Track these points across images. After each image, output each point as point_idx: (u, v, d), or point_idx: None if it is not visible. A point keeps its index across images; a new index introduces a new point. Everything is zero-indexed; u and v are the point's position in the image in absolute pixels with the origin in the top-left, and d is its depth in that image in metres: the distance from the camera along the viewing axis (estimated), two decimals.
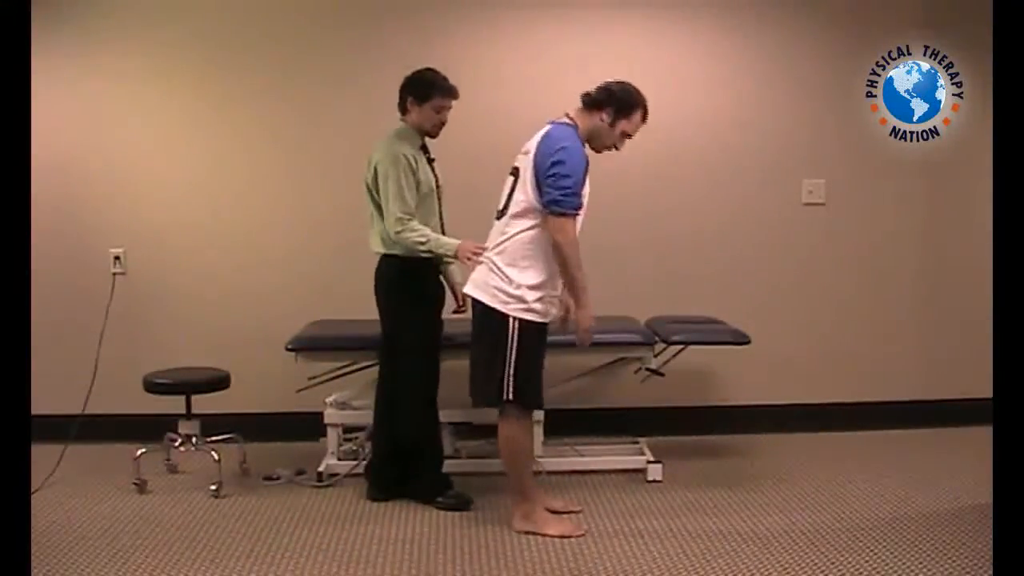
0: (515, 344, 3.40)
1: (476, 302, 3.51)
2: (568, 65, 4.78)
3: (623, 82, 3.56)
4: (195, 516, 3.71)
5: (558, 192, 3.33)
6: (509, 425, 3.49)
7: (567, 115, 3.53)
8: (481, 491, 3.90)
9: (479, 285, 3.51)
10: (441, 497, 3.80)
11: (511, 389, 3.42)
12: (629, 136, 3.57)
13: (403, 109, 3.85)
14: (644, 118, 3.58)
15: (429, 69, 3.84)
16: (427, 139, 3.90)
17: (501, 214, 3.53)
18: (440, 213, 3.91)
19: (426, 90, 3.78)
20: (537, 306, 3.43)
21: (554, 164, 3.35)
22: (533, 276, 3.42)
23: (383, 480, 3.90)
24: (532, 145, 3.47)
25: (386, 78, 4.72)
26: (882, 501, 3.83)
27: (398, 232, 3.68)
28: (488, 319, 3.45)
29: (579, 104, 3.54)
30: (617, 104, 3.50)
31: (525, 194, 3.42)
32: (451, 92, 3.80)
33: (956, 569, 3.12)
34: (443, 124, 3.85)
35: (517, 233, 3.43)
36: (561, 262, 3.40)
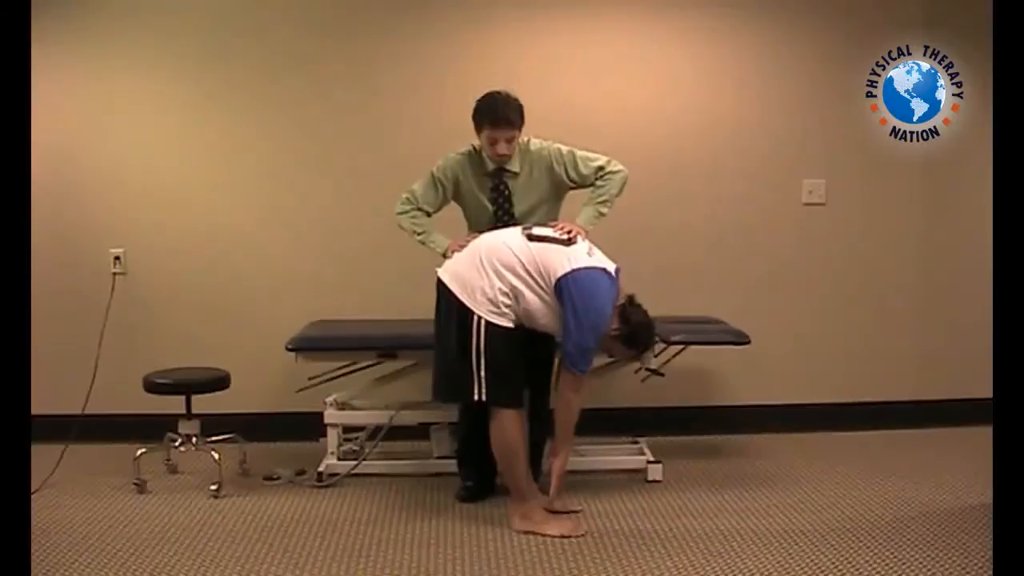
0: (482, 345, 3.40)
1: (447, 290, 3.49)
2: (571, 66, 4.80)
3: (650, 324, 3.59)
4: (195, 516, 3.71)
5: (582, 357, 3.42)
6: (496, 426, 3.49)
7: (619, 275, 3.56)
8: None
9: (455, 275, 3.50)
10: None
11: (483, 390, 3.42)
12: (610, 355, 3.71)
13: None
14: (634, 358, 3.80)
15: (489, 94, 3.72)
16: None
17: (530, 236, 3.51)
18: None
19: (477, 119, 3.72)
20: (506, 310, 3.43)
21: (588, 325, 3.39)
22: (509, 289, 3.42)
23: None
24: (592, 263, 3.46)
25: (385, 81, 4.76)
26: (882, 501, 3.83)
27: (398, 212, 3.87)
28: (457, 313, 3.44)
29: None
30: (630, 338, 3.53)
31: (552, 271, 3.40)
32: (498, 121, 3.64)
33: (956, 569, 3.12)
34: (502, 156, 3.68)
35: (520, 272, 3.42)
36: (567, 416, 3.52)
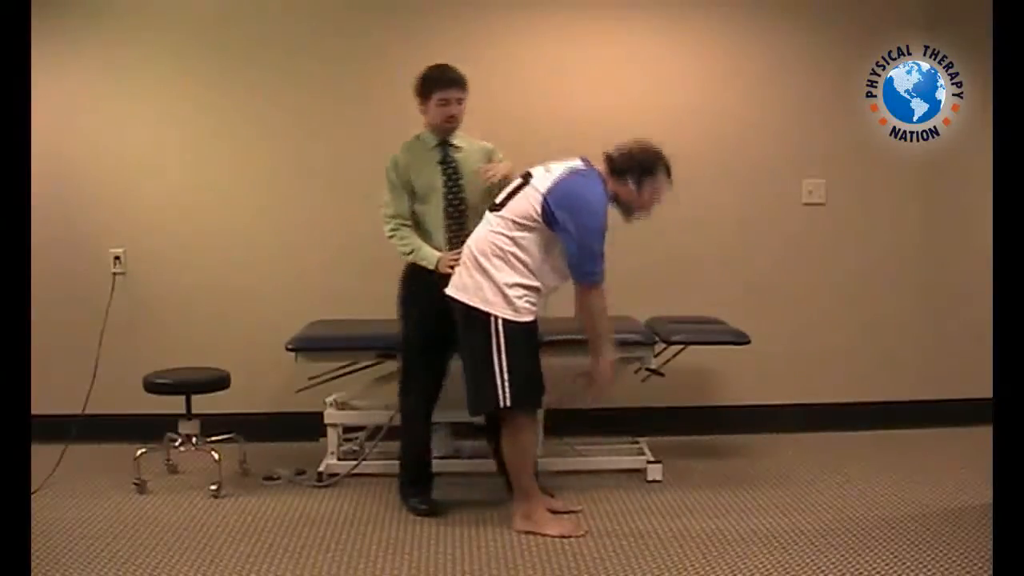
0: (503, 346, 3.37)
1: (457, 303, 3.47)
2: (571, 65, 4.80)
3: (642, 144, 3.48)
4: (195, 516, 3.71)
5: (590, 263, 3.34)
6: (514, 430, 3.47)
7: (590, 163, 3.49)
8: (481, 491, 3.90)
9: (460, 286, 3.48)
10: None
11: (507, 395, 3.38)
12: (658, 200, 3.52)
13: (421, 111, 3.80)
14: (668, 175, 3.51)
15: (435, 65, 3.76)
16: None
17: (495, 208, 3.50)
18: (455, 212, 3.76)
19: (427, 87, 3.74)
20: (521, 304, 3.40)
21: (584, 229, 3.32)
22: (516, 275, 3.40)
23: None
24: (558, 175, 3.41)
25: (384, 81, 4.76)
26: (882, 501, 3.83)
27: (388, 236, 3.81)
28: (471, 320, 3.42)
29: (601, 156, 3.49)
30: (640, 168, 3.44)
31: (531, 209, 3.38)
32: (450, 83, 3.71)
33: (956, 569, 3.12)
34: (453, 117, 3.73)
35: (508, 235, 3.41)
36: (592, 324, 3.42)
